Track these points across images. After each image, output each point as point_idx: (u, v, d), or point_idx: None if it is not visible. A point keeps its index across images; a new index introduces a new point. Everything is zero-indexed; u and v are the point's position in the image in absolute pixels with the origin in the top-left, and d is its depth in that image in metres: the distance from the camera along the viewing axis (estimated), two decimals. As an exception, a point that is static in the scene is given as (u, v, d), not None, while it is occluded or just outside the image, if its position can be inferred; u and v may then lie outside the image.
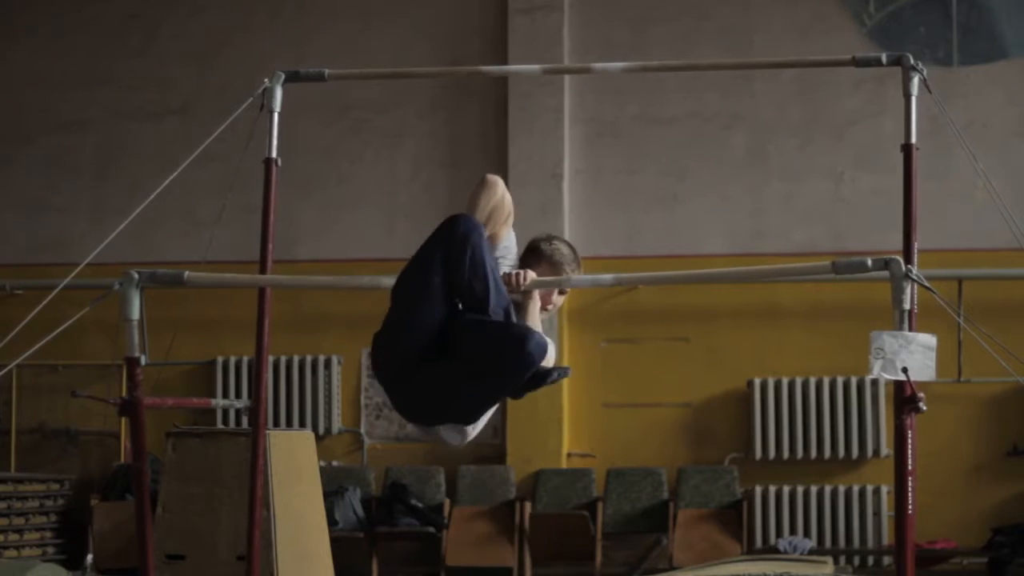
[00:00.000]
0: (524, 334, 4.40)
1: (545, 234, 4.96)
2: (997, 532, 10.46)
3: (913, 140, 5.05)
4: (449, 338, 4.48)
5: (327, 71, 5.56)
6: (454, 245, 4.41)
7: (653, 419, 11.10)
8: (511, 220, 4.71)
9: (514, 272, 4.59)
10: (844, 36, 11.10)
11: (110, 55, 11.90)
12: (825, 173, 11.16)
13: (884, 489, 10.68)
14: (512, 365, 4.42)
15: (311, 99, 10.78)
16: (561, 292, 4.86)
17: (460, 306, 4.50)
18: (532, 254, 4.84)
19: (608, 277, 4.90)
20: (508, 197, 4.65)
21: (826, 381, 10.89)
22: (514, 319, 4.50)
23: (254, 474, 5.44)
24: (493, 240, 4.66)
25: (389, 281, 4.66)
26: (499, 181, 4.62)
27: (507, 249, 4.78)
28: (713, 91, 11.27)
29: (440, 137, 11.56)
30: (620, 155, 11.37)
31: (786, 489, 10.84)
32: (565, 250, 4.86)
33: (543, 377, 4.53)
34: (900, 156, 5.09)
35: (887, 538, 10.65)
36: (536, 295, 4.68)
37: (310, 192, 11.45)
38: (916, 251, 4.87)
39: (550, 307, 4.82)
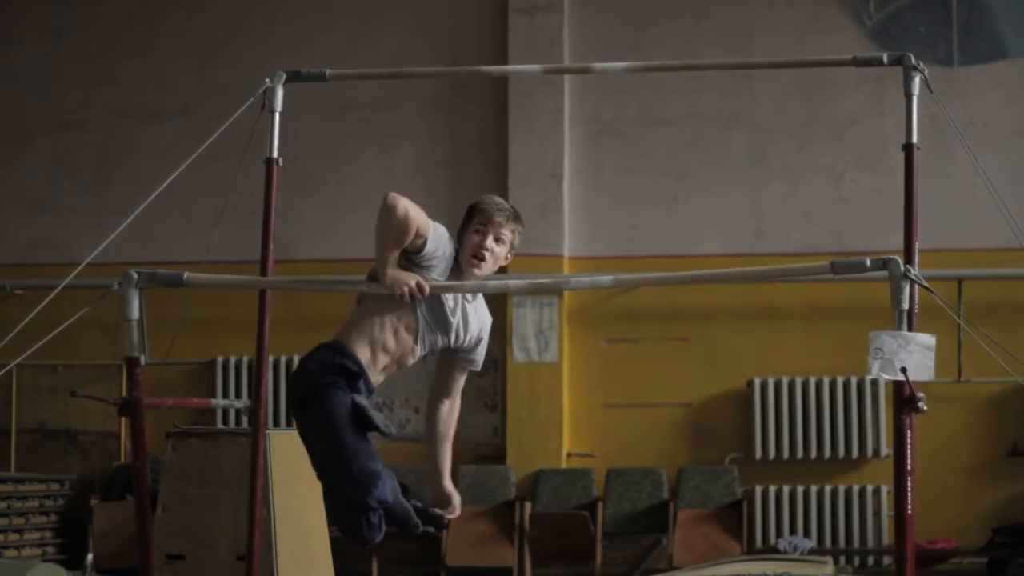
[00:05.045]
0: (353, 525, 4.61)
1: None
2: (997, 532, 10.46)
3: (914, 140, 5.06)
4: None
5: (328, 71, 5.57)
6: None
7: (653, 419, 11.10)
8: (423, 231, 4.70)
9: (404, 292, 4.65)
10: (844, 36, 11.10)
11: (110, 55, 11.90)
12: (825, 173, 11.17)
13: (884, 489, 10.68)
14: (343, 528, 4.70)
15: (311, 99, 10.78)
16: (498, 240, 4.85)
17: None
18: (466, 214, 4.89)
19: (607, 278, 4.90)
20: (411, 213, 4.64)
21: (826, 381, 10.89)
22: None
23: (254, 474, 5.44)
24: (415, 248, 4.69)
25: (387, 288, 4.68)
26: (398, 201, 4.61)
27: (432, 243, 4.75)
28: (713, 91, 11.27)
29: (440, 137, 11.57)
30: (620, 155, 11.37)
31: (786, 489, 10.84)
32: (497, 200, 4.89)
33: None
34: (900, 156, 5.09)
35: (887, 538, 10.66)
36: (472, 269, 4.78)
37: (310, 192, 11.45)
38: (916, 251, 4.87)
39: (485, 255, 4.81)
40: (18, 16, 12.07)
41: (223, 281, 5.26)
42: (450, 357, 4.91)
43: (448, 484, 4.88)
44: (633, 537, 10.96)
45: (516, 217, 4.86)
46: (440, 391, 4.95)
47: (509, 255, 4.91)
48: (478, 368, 4.98)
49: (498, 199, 4.88)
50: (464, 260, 4.80)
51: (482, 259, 4.78)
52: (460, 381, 4.97)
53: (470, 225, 4.82)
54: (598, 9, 11.41)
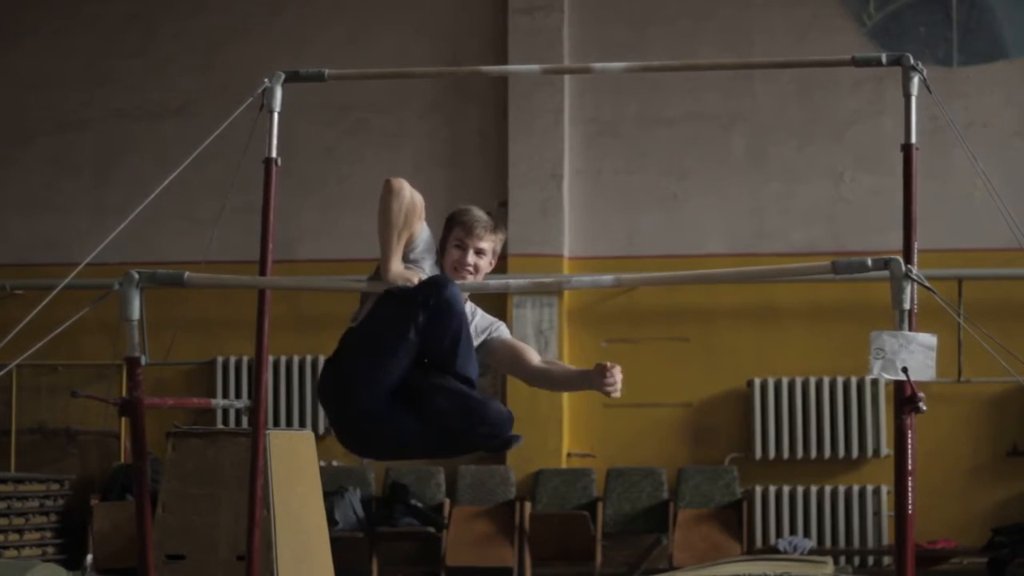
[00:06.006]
0: (483, 410, 4.58)
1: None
2: (997, 532, 10.46)
3: (913, 140, 5.05)
4: (413, 391, 4.61)
5: (327, 71, 5.56)
6: (442, 319, 4.54)
7: (653, 419, 11.10)
8: (423, 215, 4.71)
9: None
10: (844, 36, 11.10)
11: (110, 55, 11.90)
12: (825, 173, 11.17)
13: (884, 489, 10.68)
14: (481, 437, 4.64)
15: (311, 99, 10.78)
16: (479, 253, 4.85)
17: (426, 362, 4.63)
18: (446, 224, 4.90)
19: (608, 278, 4.91)
20: (416, 195, 4.65)
21: (826, 381, 10.89)
22: (475, 390, 4.62)
23: (254, 474, 5.43)
24: (409, 240, 4.68)
25: (387, 285, 4.67)
26: (403, 183, 4.62)
27: (422, 241, 4.77)
28: (713, 91, 11.27)
29: (440, 137, 11.56)
30: (620, 155, 11.37)
31: (786, 489, 10.84)
32: (476, 212, 4.90)
33: (506, 443, 4.71)
34: (900, 156, 5.09)
35: (887, 538, 10.66)
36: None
37: (310, 192, 11.45)
38: (916, 251, 4.87)
39: (466, 274, 4.82)
40: (18, 16, 12.06)
41: (223, 281, 5.26)
42: (489, 347, 4.92)
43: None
44: (633, 537, 10.96)
45: (496, 227, 4.87)
46: (523, 367, 5.00)
47: (492, 262, 4.92)
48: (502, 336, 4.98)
49: (477, 210, 4.90)
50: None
51: (464, 278, 4.79)
52: (517, 344, 4.97)
53: (450, 238, 4.83)
54: (598, 9, 11.41)
